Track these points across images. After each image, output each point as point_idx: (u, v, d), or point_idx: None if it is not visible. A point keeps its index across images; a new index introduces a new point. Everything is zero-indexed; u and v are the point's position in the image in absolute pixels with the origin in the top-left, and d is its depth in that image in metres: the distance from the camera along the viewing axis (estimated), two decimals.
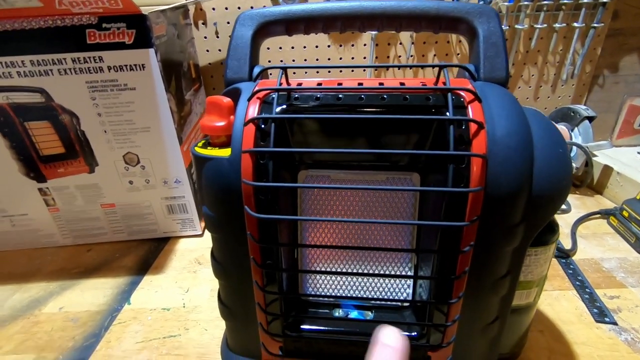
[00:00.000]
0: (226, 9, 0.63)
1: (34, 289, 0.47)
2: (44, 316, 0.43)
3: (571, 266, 0.49)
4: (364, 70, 0.69)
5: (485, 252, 0.25)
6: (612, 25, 0.67)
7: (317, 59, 0.68)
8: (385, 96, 0.25)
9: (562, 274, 0.48)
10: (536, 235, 0.27)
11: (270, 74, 0.38)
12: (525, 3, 0.62)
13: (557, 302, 0.43)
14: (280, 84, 0.26)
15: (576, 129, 0.64)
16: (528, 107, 0.27)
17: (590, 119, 0.62)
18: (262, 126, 0.25)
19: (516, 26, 0.64)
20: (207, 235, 0.58)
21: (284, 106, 0.26)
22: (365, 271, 0.31)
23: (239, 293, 0.30)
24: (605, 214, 0.59)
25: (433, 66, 0.25)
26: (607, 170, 0.66)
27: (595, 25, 0.63)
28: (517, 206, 0.24)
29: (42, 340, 0.40)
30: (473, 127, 0.23)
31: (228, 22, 0.64)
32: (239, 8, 0.63)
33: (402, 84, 0.27)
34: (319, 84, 0.28)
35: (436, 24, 0.29)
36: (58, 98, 0.45)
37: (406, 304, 0.31)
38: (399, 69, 0.69)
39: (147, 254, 0.53)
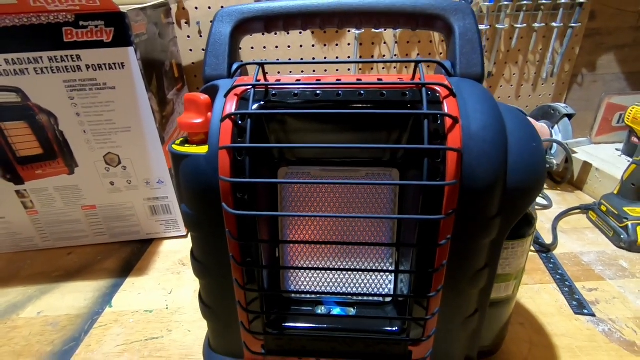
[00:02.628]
0: (209, 8, 0.63)
1: (12, 294, 0.46)
2: (21, 321, 0.42)
3: (552, 260, 0.50)
4: (348, 69, 0.69)
5: (463, 245, 0.26)
6: (590, 25, 0.68)
7: (301, 58, 0.68)
8: (362, 92, 0.26)
9: (543, 268, 0.49)
10: (513, 229, 0.27)
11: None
12: (506, 3, 0.63)
13: (538, 295, 0.44)
14: (258, 80, 0.26)
15: (556, 126, 0.66)
16: (502, 103, 0.28)
17: (570, 116, 0.64)
18: (239, 122, 0.24)
19: (497, 26, 0.65)
20: None
21: (262, 102, 0.25)
22: (347, 267, 0.31)
23: (220, 292, 0.30)
24: (584, 209, 0.61)
25: (408, 61, 0.25)
26: (586, 166, 0.67)
27: (573, 25, 0.65)
28: (493, 199, 0.24)
29: (19, 345, 0.39)
30: (448, 121, 0.24)
31: (211, 21, 0.64)
32: (222, 7, 0.63)
33: (379, 79, 0.27)
34: (298, 80, 0.28)
35: (413, 20, 0.30)
36: (35, 98, 0.44)
37: (388, 299, 0.31)
38: (383, 68, 0.69)
39: (129, 256, 0.53)
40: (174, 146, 0.27)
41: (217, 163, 0.24)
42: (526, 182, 0.25)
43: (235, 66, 0.30)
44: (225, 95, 0.25)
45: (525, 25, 0.65)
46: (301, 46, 0.67)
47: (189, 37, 0.65)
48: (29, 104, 0.44)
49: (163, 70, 0.54)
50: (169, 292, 0.46)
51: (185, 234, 0.57)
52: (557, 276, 0.47)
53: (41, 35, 0.41)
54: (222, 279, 0.29)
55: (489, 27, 0.65)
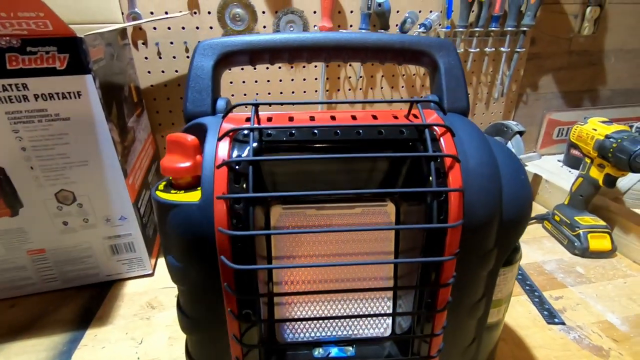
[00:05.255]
0: (169, 28, 0.59)
1: None
2: None
3: (519, 272, 0.53)
4: (333, 105, 0.69)
5: (464, 280, 0.26)
6: (531, 50, 0.75)
7: (268, 80, 0.66)
8: (360, 131, 0.25)
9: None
10: (511, 255, 0.28)
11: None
12: (460, 30, 0.67)
13: (512, 308, 0.46)
14: (255, 122, 0.24)
15: (509, 142, 0.71)
16: (487, 135, 0.29)
17: (521, 133, 0.69)
18: (237, 168, 0.23)
19: None
20: (159, 274, 0.53)
21: (256, 144, 0.24)
22: (345, 310, 0.30)
23: (212, 346, 0.27)
24: (540, 219, 0.66)
25: (406, 101, 0.25)
26: (536, 178, 0.73)
27: (518, 50, 0.71)
28: (491, 233, 0.25)
29: None
30: (448, 161, 0.24)
31: (171, 43, 0.60)
32: (183, 28, 0.60)
33: (374, 116, 0.27)
34: (291, 118, 0.27)
35: (400, 56, 0.30)
36: None
37: (388, 336, 0.31)
38: (372, 104, 0.70)
39: (87, 302, 0.47)
40: (158, 193, 0.24)
41: (212, 212, 0.22)
42: (519, 213, 0.26)
43: (221, 103, 0.28)
44: (221, 138, 0.24)
45: (478, 49, 0.70)
46: (267, 68, 0.65)
47: (146, 58, 0.60)
48: None
49: (122, 96, 0.50)
50: (139, 342, 0.41)
51: (151, 272, 0.52)
52: (527, 287, 0.50)
53: None
54: (214, 333, 0.26)
55: None
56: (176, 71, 0.62)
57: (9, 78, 0.37)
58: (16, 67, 0.37)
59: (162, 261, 0.55)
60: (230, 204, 0.22)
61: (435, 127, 0.25)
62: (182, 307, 0.27)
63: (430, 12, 0.67)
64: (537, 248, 0.59)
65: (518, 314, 0.46)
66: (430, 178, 0.23)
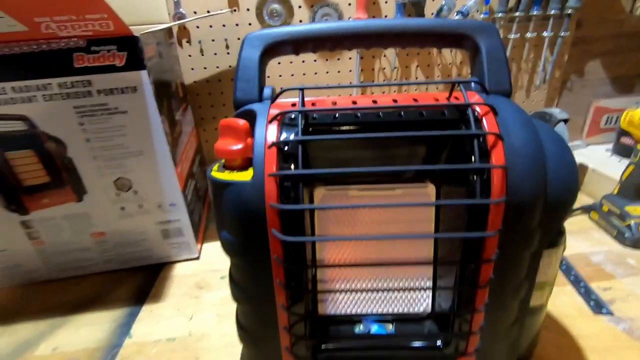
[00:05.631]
0: (210, 26, 0.63)
1: (22, 331, 0.44)
2: (39, 358, 0.40)
3: (564, 262, 0.52)
4: (384, 91, 0.70)
5: (507, 259, 0.26)
6: (577, 34, 0.72)
7: (303, 74, 0.68)
8: (402, 113, 0.26)
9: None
10: (555, 237, 0.28)
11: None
12: (499, 15, 0.65)
13: (556, 297, 0.45)
14: (299, 104, 0.26)
15: None
16: (532, 118, 0.29)
17: (565, 121, 0.66)
18: (286, 148, 0.24)
19: None
20: (205, 258, 0.56)
21: (303, 126, 0.26)
22: (386, 285, 0.31)
23: (260, 315, 0.29)
24: (586, 209, 0.63)
25: (448, 82, 0.26)
26: (582, 168, 0.70)
27: (562, 34, 0.68)
28: (535, 212, 0.25)
29: None
30: (490, 139, 0.24)
31: (213, 40, 0.63)
32: (223, 26, 0.63)
33: (415, 100, 0.28)
34: (334, 102, 0.28)
35: (441, 41, 0.31)
36: (43, 125, 0.43)
37: (428, 315, 0.31)
38: (412, 87, 0.71)
39: (143, 282, 0.51)
40: (213, 174, 0.26)
41: (263, 189, 0.24)
42: (564, 195, 0.26)
43: (267, 91, 0.30)
44: (270, 121, 0.25)
45: (518, 35, 0.68)
46: (303, 61, 0.67)
47: (190, 56, 0.64)
48: (37, 132, 0.43)
49: (171, 92, 0.53)
50: (189, 318, 0.45)
51: (197, 255, 0.55)
52: (572, 277, 0.49)
53: (51, 61, 0.40)
54: (263, 302, 0.28)
55: None
56: (217, 67, 0.66)
57: (76, 75, 0.41)
58: (82, 66, 0.40)
59: (206, 246, 0.58)
60: (280, 181, 0.24)
61: (477, 107, 0.26)
62: (234, 278, 0.29)
63: None
64: (583, 239, 0.57)
65: (562, 303, 0.44)
66: (473, 157, 0.24)
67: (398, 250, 0.30)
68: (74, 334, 0.43)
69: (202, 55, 0.64)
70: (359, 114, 0.26)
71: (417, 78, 0.71)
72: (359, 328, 0.31)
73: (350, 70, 0.69)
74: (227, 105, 0.69)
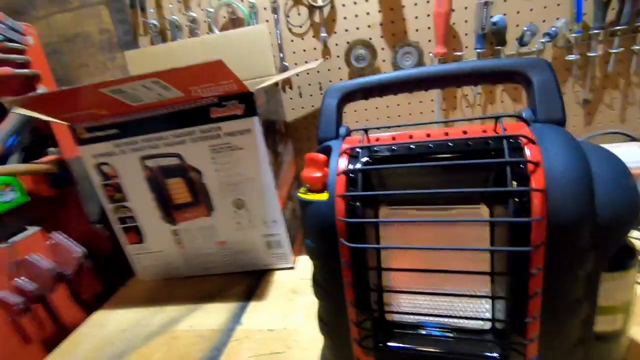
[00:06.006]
0: (307, 73, 0.75)
1: (170, 311, 0.59)
2: (179, 332, 0.54)
3: None
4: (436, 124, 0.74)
5: (558, 276, 0.28)
6: None
7: (387, 106, 0.75)
8: (450, 144, 0.31)
9: None
10: (614, 261, 0.29)
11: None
12: (595, 32, 0.62)
13: None
14: (365, 143, 0.33)
15: None
16: (589, 143, 0.30)
17: None
18: (351, 175, 0.32)
19: (588, 54, 0.64)
20: (299, 267, 0.66)
21: (368, 158, 0.33)
22: (445, 305, 0.35)
23: (335, 311, 0.36)
24: None
25: (490, 117, 0.30)
26: None
27: None
28: (582, 232, 0.27)
29: (180, 351, 0.50)
30: (531, 165, 0.28)
31: (309, 84, 0.76)
32: (318, 72, 0.75)
33: (464, 132, 0.32)
34: (393, 137, 0.34)
35: (495, 78, 0.35)
36: (188, 160, 0.59)
37: (487, 328, 0.34)
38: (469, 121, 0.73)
39: (251, 283, 0.63)
40: (300, 195, 0.35)
41: (335, 207, 0.32)
42: (615, 217, 0.27)
43: (342, 130, 0.38)
44: (341, 155, 0.33)
45: (622, 49, 0.63)
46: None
47: (291, 98, 0.78)
48: (185, 165, 0.59)
49: (275, 129, 0.66)
50: (285, 315, 0.54)
51: (292, 265, 0.66)
52: None
53: (196, 114, 0.56)
54: (336, 300, 0.35)
55: (578, 56, 0.64)
56: (312, 106, 0.78)
57: (211, 123, 0.56)
58: (216, 116, 0.55)
59: (300, 258, 0.68)
60: (346, 201, 0.31)
61: (520, 138, 0.29)
62: (315, 279, 0.37)
63: (557, 18, 0.64)
64: None
65: None
66: (514, 181, 0.28)
67: (456, 266, 0.34)
68: (203, 317, 0.57)
69: (301, 97, 0.77)
70: (412, 146, 0.32)
71: (502, 102, 0.71)
72: (421, 333, 0.36)
73: (432, 100, 0.73)
74: None
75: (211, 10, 0.73)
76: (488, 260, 0.33)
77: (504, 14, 0.65)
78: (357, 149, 0.33)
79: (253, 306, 0.57)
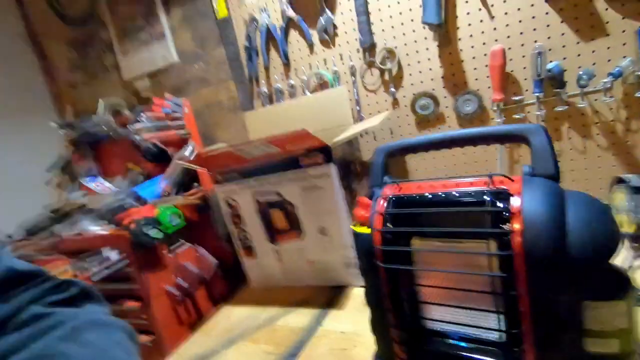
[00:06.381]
0: (378, 124, 0.90)
1: (272, 311, 0.79)
2: (277, 327, 0.72)
3: None
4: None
5: (539, 298, 0.36)
6: None
7: (444, 165, 0.84)
8: (456, 194, 0.42)
9: None
10: (599, 291, 0.35)
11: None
12: None
13: None
14: (396, 192, 0.46)
15: None
16: (575, 192, 0.38)
17: None
18: (386, 216, 0.45)
19: None
20: None
21: (398, 202, 0.46)
22: (462, 315, 0.44)
23: (379, 317, 0.49)
24: None
25: (482, 176, 0.40)
26: None
27: None
28: (553, 264, 0.35)
29: (278, 340, 0.68)
30: (513, 209, 0.37)
31: (382, 129, 0.90)
32: (389, 119, 0.88)
33: (471, 183, 0.42)
34: (419, 187, 0.46)
35: (503, 139, 0.44)
36: (285, 196, 0.79)
37: (498, 340, 0.42)
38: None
39: (332, 295, 0.78)
40: (352, 227, 0.50)
41: (374, 238, 0.45)
42: (585, 254, 0.34)
43: (386, 180, 0.51)
44: (380, 199, 0.47)
45: None
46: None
47: (367, 142, 0.93)
48: (284, 200, 0.79)
49: (351, 169, 0.82)
50: (355, 322, 0.67)
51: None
52: None
53: (289, 163, 0.75)
54: (380, 308, 0.48)
55: None
56: None
57: (301, 169, 0.75)
58: (303, 164, 0.74)
59: None
60: (382, 234, 0.45)
61: (507, 188, 0.39)
62: (365, 290, 0.50)
63: (624, 57, 0.66)
64: None
65: None
66: (502, 224, 0.37)
67: (468, 285, 0.43)
68: (295, 317, 0.74)
69: (375, 140, 0.92)
70: (430, 195, 0.44)
71: (570, 138, 0.73)
72: (445, 340, 0.46)
73: (496, 148, 0.79)
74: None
75: (305, 78, 0.95)
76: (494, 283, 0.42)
77: (564, 58, 0.70)
78: (391, 196, 0.47)
79: (332, 313, 0.72)
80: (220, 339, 0.74)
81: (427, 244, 0.46)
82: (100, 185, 1.07)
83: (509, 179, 0.41)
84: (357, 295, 0.76)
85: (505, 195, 0.38)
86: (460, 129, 0.82)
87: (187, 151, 0.96)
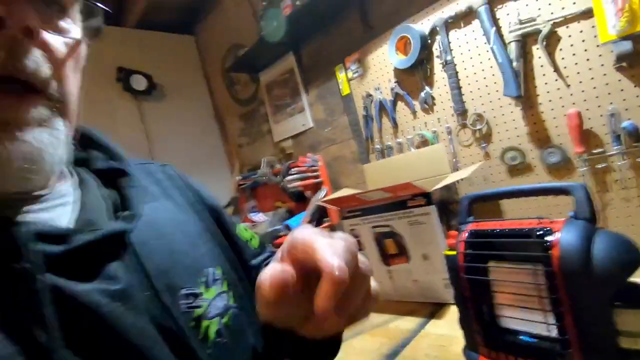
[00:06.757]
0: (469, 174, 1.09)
1: (385, 317, 1.02)
2: (390, 328, 0.96)
3: None
4: None
5: (576, 305, 0.53)
6: None
7: (528, 207, 0.98)
8: (517, 229, 0.62)
9: None
10: (624, 300, 0.51)
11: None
12: None
13: None
14: (474, 228, 0.68)
15: None
16: (606, 230, 0.55)
17: None
18: (467, 242, 0.67)
19: None
20: None
21: (475, 234, 0.67)
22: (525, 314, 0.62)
23: (465, 316, 0.69)
24: None
25: (530, 219, 0.60)
26: None
27: None
28: (582, 277, 0.52)
29: (390, 337, 0.91)
30: (554, 242, 0.56)
31: (476, 177, 1.09)
32: (482, 169, 1.07)
33: (528, 222, 0.62)
34: (492, 225, 0.67)
35: (553, 193, 0.63)
36: (396, 229, 1.04)
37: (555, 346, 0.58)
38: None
39: (433, 310, 0.98)
40: (445, 252, 0.73)
41: (459, 258, 0.68)
42: (606, 271, 0.51)
43: (469, 219, 0.73)
44: (463, 232, 0.70)
45: None
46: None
47: (464, 186, 1.12)
48: (394, 231, 1.05)
49: (449, 208, 1.03)
50: (451, 329, 0.86)
51: None
52: None
53: (398, 204, 1.01)
54: (465, 309, 0.68)
55: None
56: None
57: (408, 209, 1.00)
58: (409, 205, 0.99)
59: None
60: (463, 255, 0.67)
61: (550, 228, 0.58)
62: (455, 297, 0.71)
63: None
64: None
65: None
66: (546, 251, 0.56)
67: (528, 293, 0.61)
68: (403, 323, 0.96)
69: (470, 185, 1.11)
70: (497, 229, 0.65)
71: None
72: (516, 337, 0.64)
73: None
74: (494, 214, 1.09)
75: (410, 137, 1.22)
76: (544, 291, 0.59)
77: None
78: (471, 230, 0.69)
79: (433, 322, 0.93)
80: (346, 332, 1.01)
81: (496, 264, 0.66)
82: (261, 217, 1.50)
83: (552, 221, 0.59)
84: (454, 311, 0.95)
85: (549, 232, 0.57)
86: (545, 179, 0.97)
87: (321, 194, 1.31)
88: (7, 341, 0.24)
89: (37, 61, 0.27)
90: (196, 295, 0.35)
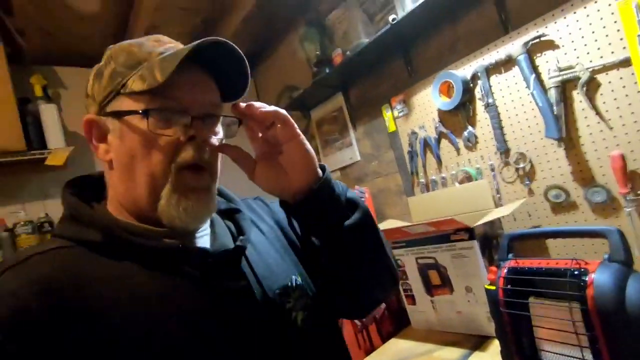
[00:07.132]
0: (511, 211, 1.12)
1: (428, 346, 1.07)
2: (433, 356, 1.00)
3: None
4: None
5: (611, 339, 0.57)
6: None
7: (573, 244, 0.99)
8: (554, 269, 0.67)
9: None
10: None
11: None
12: None
13: None
14: (515, 265, 0.74)
15: None
16: (630, 271, 0.59)
17: None
18: (505, 279, 0.73)
19: None
20: None
21: (514, 271, 0.73)
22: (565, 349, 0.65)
23: (506, 348, 0.74)
24: None
25: (569, 259, 0.65)
26: None
27: None
28: (616, 318, 0.56)
29: None
30: (589, 282, 0.61)
31: (520, 212, 1.12)
32: (526, 204, 1.11)
33: (565, 262, 0.66)
34: (531, 262, 0.72)
35: (590, 235, 0.67)
36: (440, 261, 1.10)
37: None
38: None
39: (476, 342, 1.01)
40: (485, 286, 0.78)
41: (499, 292, 0.73)
42: (636, 313, 0.55)
43: (509, 256, 0.78)
44: (502, 268, 0.75)
45: None
46: None
47: (508, 221, 1.16)
48: (437, 263, 1.11)
49: (492, 243, 1.08)
50: (493, 355, 0.90)
51: None
52: None
53: (442, 237, 1.07)
54: (505, 341, 0.73)
55: None
56: (517, 228, 1.12)
57: (451, 243, 1.06)
58: (452, 239, 1.05)
59: None
60: (503, 290, 0.72)
61: (587, 269, 0.62)
62: (495, 330, 0.76)
63: None
64: None
65: None
66: (581, 290, 0.61)
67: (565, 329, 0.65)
68: (445, 353, 1.00)
69: (515, 220, 1.14)
70: (535, 268, 0.70)
71: None
72: None
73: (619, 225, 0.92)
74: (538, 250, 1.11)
75: (453, 173, 1.28)
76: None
77: None
78: (510, 266, 0.74)
79: (476, 354, 0.96)
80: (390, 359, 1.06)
81: (535, 300, 0.70)
82: None
83: (588, 262, 0.64)
84: (497, 345, 0.97)
85: (584, 272, 0.62)
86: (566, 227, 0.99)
87: None
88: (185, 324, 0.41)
89: (207, 154, 0.47)
90: (287, 295, 0.50)
